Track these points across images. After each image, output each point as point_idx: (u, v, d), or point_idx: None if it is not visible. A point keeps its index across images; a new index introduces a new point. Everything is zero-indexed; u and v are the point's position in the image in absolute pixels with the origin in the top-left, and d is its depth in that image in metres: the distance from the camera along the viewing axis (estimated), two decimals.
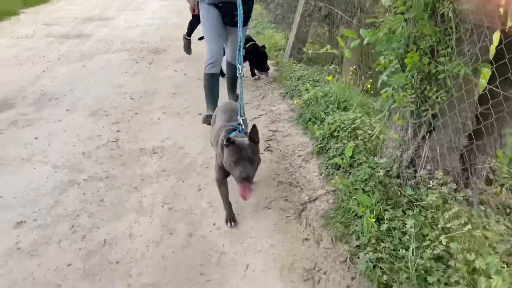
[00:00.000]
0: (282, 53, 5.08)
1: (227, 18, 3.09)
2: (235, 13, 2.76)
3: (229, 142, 1.90)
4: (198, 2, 3.27)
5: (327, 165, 2.56)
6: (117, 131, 3.26)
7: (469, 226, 1.59)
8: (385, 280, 1.62)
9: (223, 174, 2.09)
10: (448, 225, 1.64)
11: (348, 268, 1.82)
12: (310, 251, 1.97)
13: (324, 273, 1.82)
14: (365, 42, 1.95)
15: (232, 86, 3.55)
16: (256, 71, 4.38)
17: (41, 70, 4.75)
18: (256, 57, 4.22)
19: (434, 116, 1.97)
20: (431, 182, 1.89)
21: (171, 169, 2.71)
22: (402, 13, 1.86)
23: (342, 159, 2.46)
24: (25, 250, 1.99)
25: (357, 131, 2.58)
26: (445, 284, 1.49)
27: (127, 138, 3.14)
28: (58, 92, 4.06)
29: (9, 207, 2.31)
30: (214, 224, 2.19)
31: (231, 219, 2.20)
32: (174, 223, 2.18)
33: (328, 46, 2.75)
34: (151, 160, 2.83)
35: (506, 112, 1.75)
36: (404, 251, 1.67)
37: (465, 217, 1.66)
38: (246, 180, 1.85)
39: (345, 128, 2.67)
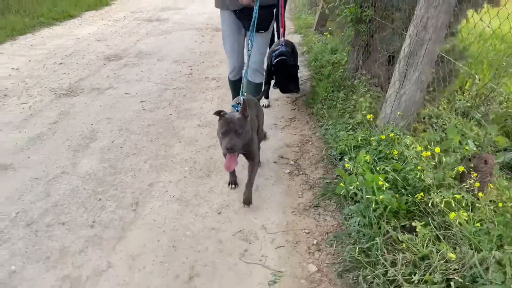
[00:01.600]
0: (309, 30, 6.84)
1: (246, 24, 3.03)
2: (249, 16, 2.85)
3: (219, 115, 2.13)
4: None
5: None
6: (191, 69, 5.21)
7: (369, 93, 3.29)
8: (323, 111, 3.37)
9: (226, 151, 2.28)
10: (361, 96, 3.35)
11: (310, 116, 3.58)
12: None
13: (298, 119, 3.58)
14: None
15: None
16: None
17: (136, 40, 6.86)
18: (283, 76, 3.65)
19: (369, 45, 3.66)
20: (362, 77, 3.60)
21: (223, 86, 4.57)
22: None
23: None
24: (147, 109, 3.94)
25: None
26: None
27: (197, 73, 5.07)
28: (150, 51, 6.11)
29: (135, 97, 4.28)
30: None
31: (232, 182, 2.61)
32: (224, 105, 4.04)
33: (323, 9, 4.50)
34: (211, 82, 4.72)
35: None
36: (335, 102, 3.41)
37: (367, 89, 3.36)
38: (231, 150, 2.06)
39: (330, 61, 4.42)
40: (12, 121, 3.65)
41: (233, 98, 3.45)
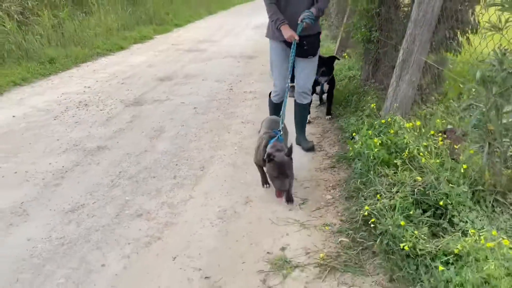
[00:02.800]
0: None
1: (297, 48, 3.35)
2: (304, 42, 3.34)
3: (270, 158, 2.56)
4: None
5: None
6: (231, 86, 6.35)
7: (376, 95, 4.29)
8: (340, 110, 4.38)
9: (259, 165, 3.01)
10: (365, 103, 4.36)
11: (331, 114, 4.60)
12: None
13: (320, 117, 4.61)
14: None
15: (301, 127, 3.87)
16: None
17: (181, 65, 8.13)
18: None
19: (378, 59, 4.70)
20: (371, 85, 4.61)
21: (258, 98, 5.66)
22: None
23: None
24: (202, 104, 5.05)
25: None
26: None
27: (236, 88, 6.20)
28: (195, 74, 7.33)
29: (189, 105, 5.41)
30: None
31: (265, 182, 3.05)
32: (260, 112, 5.11)
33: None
34: (249, 95, 5.84)
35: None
36: (350, 103, 4.43)
37: (374, 92, 4.37)
38: (283, 191, 2.67)
39: (347, 75, 5.47)
40: (97, 120, 4.82)
41: (270, 114, 3.78)
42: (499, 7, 2.57)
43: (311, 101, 3.91)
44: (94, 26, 10.45)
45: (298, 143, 3.86)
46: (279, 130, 2.94)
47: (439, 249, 2.01)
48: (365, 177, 2.90)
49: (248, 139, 4.15)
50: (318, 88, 4.44)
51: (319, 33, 3.57)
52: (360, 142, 3.34)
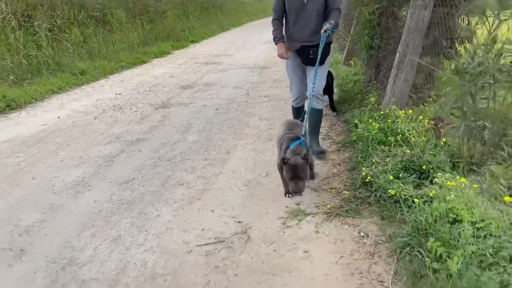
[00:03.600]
0: (338, 64, 8.67)
1: (305, 60, 3.80)
2: (311, 51, 3.67)
3: (283, 162, 2.71)
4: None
5: None
6: (247, 92, 7.07)
7: (377, 93, 4.96)
8: (345, 107, 5.05)
9: (281, 168, 2.93)
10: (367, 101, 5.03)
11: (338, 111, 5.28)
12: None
13: (328, 114, 5.29)
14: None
15: (313, 132, 4.01)
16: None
17: (200, 76, 8.90)
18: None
19: (379, 63, 5.39)
20: (373, 86, 5.29)
21: (273, 100, 6.36)
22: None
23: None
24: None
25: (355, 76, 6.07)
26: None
27: (252, 93, 6.92)
28: (214, 82, 8.08)
29: (211, 107, 6.13)
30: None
31: (287, 192, 3.08)
32: (275, 111, 5.80)
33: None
34: (264, 98, 6.54)
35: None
36: (354, 101, 5.10)
37: (375, 91, 5.04)
38: (297, 194, 2.79)
39: (352, 79, 6.16)
40: (132, 119, 5.55)
41: (294, 118, 4.11)
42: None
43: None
44: (117, 42, 11.37)
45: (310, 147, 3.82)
46: (302, 135, 3.02)
47: (418, 194, 2.65)
48: (365, 153, 3.56)
49: (265, 131, 4.84)
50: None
51: (330, 43, 3.78)
52: (361, 127, 4.00)
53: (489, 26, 3.13)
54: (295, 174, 2.69)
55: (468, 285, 1.83)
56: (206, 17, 20.22)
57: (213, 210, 3.05)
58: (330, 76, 5.12)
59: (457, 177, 2.66)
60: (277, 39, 3.81)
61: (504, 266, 1.90)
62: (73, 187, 3.55)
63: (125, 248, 2.64)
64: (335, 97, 5.56)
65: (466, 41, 4.49)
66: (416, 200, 2.50)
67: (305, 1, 3.62)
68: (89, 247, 2.67)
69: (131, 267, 2.45)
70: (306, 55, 3.75)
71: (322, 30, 3.47)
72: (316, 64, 3.47)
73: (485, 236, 2.08)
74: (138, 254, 2.58)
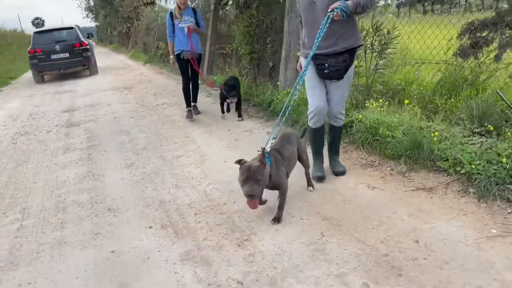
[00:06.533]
0: None
1: (318, 70, 3.17)
2: (325, 65, 3.07)
3: (239, 163, 2.52)
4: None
5: None
6: (140, 103, 7.97)
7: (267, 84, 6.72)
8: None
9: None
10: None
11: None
12: None
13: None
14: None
15: (333, 150, 3.60)
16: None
17: (71, 101, 9.21)
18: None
19: (259, 63, 7.18)
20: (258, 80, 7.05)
21: (168, 105, 7.50)
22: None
23: None
24: None
25: None
26: None
27: (146, 104, 7.87)
28: (94, 103, 8.61)
29: (112, 114, 6.93)
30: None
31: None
32: (167, 113, 7.01)
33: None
34: (160, 105, 7.61)
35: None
36: (251, 94, 6.78)
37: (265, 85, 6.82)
38: (251, 197, 2.45)
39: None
40: (61, 146, 5.99)
41: (312, 143, 3.53)
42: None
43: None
44: None
45: (330, 166, 3.63)
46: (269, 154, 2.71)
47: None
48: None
49: (163, 119, 6.07)
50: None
51: (353, 49, 3.13)
52: (277, 101, 5.67)
53: None
54: (248, 176, 2.48)
55: (409, 139, 3.61)
56: None
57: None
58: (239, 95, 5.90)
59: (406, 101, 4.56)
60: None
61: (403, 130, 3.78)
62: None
63: None
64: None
65: None
66: (360, 116, 4.27)
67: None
68: None
69: None
70: (320, 67, 3.18)
71: (329, 9, 2.86)
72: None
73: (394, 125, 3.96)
74: None
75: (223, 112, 6.18)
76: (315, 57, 3.11)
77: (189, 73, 6.10)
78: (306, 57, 3.19)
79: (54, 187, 4.02)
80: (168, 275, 2.44)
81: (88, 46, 12.82)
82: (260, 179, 2.47)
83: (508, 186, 2.72)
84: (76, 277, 2.53)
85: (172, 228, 2.97)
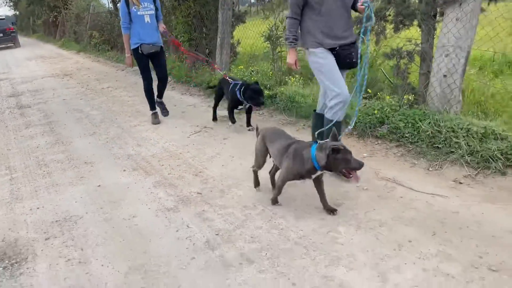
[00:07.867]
0: None
1: (346, 59, 3.21)
2: (352, 53, 3.16)
3: (336, 151, 2.58)
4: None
5: None
6: (86, 88, 8.65)
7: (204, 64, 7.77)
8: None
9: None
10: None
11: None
12: None
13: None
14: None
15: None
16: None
17: (11, 87, 9.61)
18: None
19: (196, 49, 8.18)
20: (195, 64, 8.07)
21: (113, 89, 8.30)
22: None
23: None
24: None
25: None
26: None
27: (92, 87, 8.58)
28: (38, 89, 9.12)
29: (61, 96, 7.64)
30: None
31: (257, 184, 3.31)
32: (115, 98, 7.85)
33: None
34: (106, 88, 8.37)
35: None
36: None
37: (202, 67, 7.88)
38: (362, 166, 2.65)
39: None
40: (22, 123, 6.63)
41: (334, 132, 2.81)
42: None
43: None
44: None
45: None
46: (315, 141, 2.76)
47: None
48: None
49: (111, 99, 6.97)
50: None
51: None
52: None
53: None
54: (350, 154, 2.63)
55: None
56: None
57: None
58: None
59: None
60: (293, 41, 3.31)
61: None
62: None
63: None
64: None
65: None
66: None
67: None
68: None
69: None
70: (348, 56, 3.21)
71: (360, 3, 3.00)
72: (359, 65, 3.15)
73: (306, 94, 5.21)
74: None
75: (233, 121, 4.97)
76: (340, 48, 3.20)
77: (154, 71, 5.33)
78: (323, 47, 3.21)
79: (30, 151, 4.80)
80: (147, 193, 3.48)
81: (14, 30, 23.00)
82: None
83: (377, 129, 4.05)
84: (75, 201, 3.46)
85: (143, 170, 3.98)
